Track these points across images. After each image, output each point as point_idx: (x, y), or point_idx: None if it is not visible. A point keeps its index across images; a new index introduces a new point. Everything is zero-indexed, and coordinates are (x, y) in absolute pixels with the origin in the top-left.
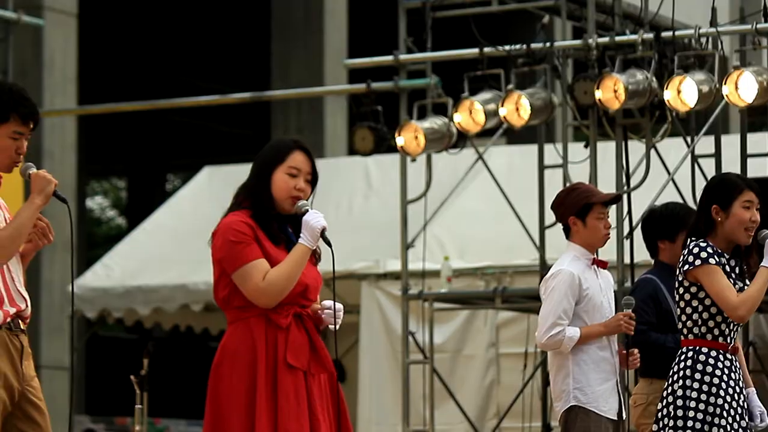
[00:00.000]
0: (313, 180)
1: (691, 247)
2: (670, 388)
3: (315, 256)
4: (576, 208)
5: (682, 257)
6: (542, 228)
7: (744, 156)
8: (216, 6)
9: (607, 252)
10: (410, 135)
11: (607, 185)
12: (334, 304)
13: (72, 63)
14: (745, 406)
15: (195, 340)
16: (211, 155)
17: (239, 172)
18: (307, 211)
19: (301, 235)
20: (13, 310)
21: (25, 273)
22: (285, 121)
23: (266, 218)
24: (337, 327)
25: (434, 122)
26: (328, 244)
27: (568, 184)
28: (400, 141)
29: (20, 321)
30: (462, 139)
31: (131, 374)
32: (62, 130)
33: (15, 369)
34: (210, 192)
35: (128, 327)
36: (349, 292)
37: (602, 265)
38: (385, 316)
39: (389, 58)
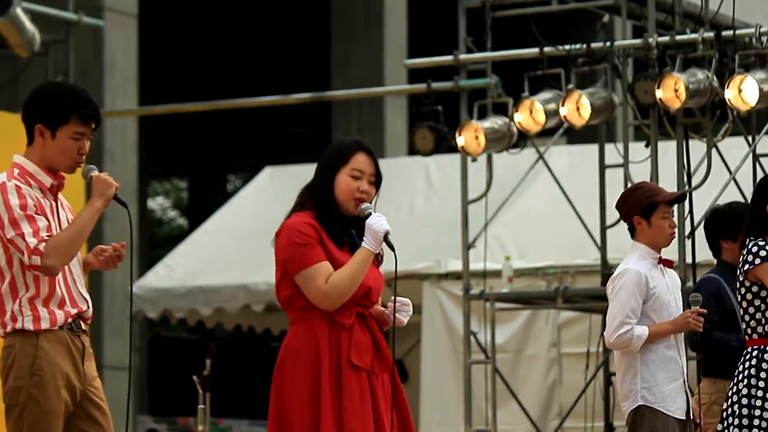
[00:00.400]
0: (376, 181)
1: (750, 247)
2: (735, 387)
3: (377, 258)
4: (640, 207)
5: (741, 257)
6: (603, 228)
7: None
8: (276, 6)
9: (669, 252)
10: (471, 135)
11: (668, 185)
12: (394, 306)
13: (133, 64)
14: None
15: (257, 341)
16: (272, 155)
17: (300, 173)
18: (370, 214)
19: (364, 238)
20: (74, 311)
21: (86, 275)
22: (345, 122)
23: (330, 220)
24: (405, 321)
25: (495, 122)
26: (391, 248)
27: (628, 184)
28: (460, 141)
29: (81, 322)
30: (522, 138)
31: (194, 374)
32: (123, 130)
33: (77, 369)
34: (271, 192)
35: (190, 327)
36: (411, 293)
37: (668, 264)
38: (447, 316)
39: (449, 57)
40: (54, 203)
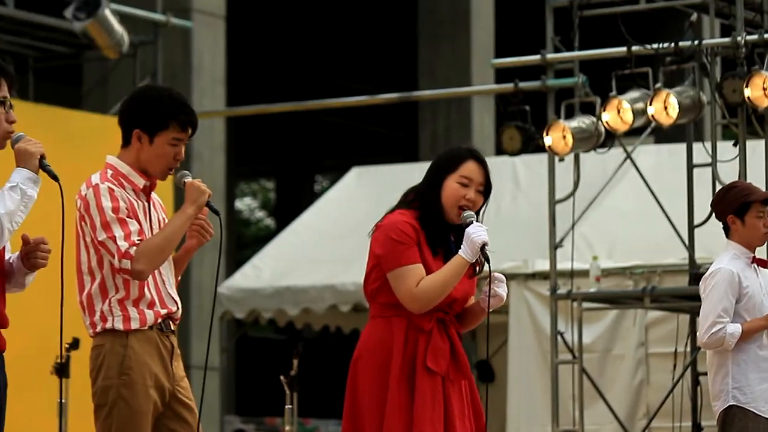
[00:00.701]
0: (485, 191)
1: None
2: None
3: (474, 268)
4: (734, 206)
5: None
6: (691, 227)
7: None
8: (363, 6)
9: (764, 251)
10: (558, 134)
11: (756, 184)
12: (489, 291)
13: (220, 64)
14: None
15: (343, 341)
16: (359, 156)
17: (387, 173)
18: (471, 222)
19: (462, 246)
20: (164, 311)
21: (180, 274)
22: (432, 122)
23: (431, 224)
24: (504, 294)
25: (582, 121)
26: (487, 260)
27: (716, 183)
28: (547, 140)
29: (171, 322)
30: (610, 138)
31: (281, 375)
32: (211, 131)
33: (165, 369)
34: (358, 192)
35: (278, 327)
36: None
37: (762, 264)
38: (534, 316)
39: (537, 57)
40: (146, 204)
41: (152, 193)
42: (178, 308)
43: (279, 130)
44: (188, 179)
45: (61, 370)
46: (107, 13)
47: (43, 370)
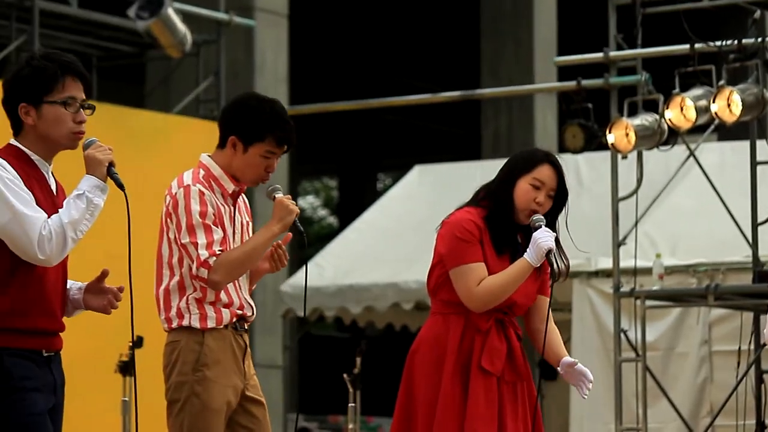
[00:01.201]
0: (559, 196)
1: None
2: None
3: (552, 275)
4: None
5: None
6: (755, 224)
7: None
8: (426, 4)
9: None
10: (621, 132)
11: None
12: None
13: (283, 63)
14: None
15: (407, 339)
16: (421, 154)
17: (449, 171)
18: (539, 227)
19: (527, 250)
20: (239, 312)
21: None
22: (495, 120)
23: (498, 222)
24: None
25: (645, 119)
26: (551, 265)
27: None
28: (610, 138)
29: (244, 323)
30: (673, 135)
31: (344, 373)
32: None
33: (239, 367)
34: (421, 190)
35: (341, 325)
36: (561, 290)
37: None
38: (597, 313)
39: (600, 55)
40: (232, 208)
41: (239, 198)
42: (253, 313)
43: (341, 129)
44: (279, 195)
45: (125, 368)
46: (170, 12)
47: (107, 368)
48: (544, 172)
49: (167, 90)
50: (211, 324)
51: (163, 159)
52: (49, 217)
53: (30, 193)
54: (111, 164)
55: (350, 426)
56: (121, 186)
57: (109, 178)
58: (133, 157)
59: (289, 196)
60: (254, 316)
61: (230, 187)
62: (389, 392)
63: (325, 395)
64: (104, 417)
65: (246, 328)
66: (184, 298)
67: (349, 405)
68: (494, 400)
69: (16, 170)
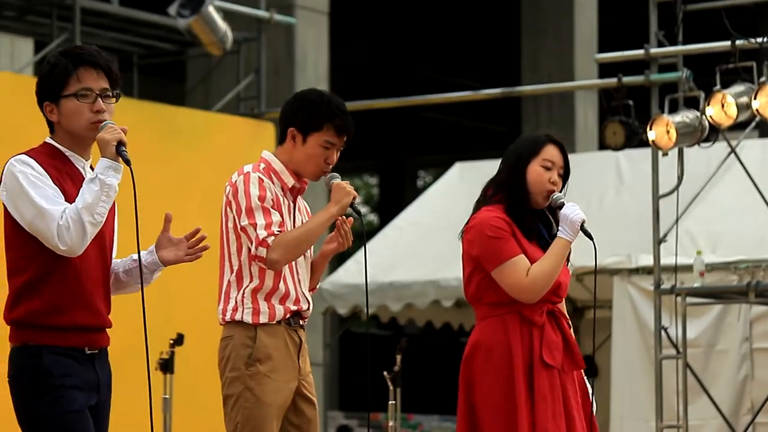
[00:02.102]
0: (565, 174)
1: None
2: None
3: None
4: None
5: None
6: None
7: None
8: (466, 1)
9: None
10: (662, 129)
11: None
12: (595, 301)
13: (323, 60)
14: None
15: (447, 336)
16: (462, 151)
17: (490, 168)
18: (563, 204)
19: (561, 228)
20: (294, 308)
21: (318, 278)
22: (535, 117)
23: (521, 213)
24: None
25: (686, 116)
26: (590, 237)
27: None
28: (651, 135)
29: (300, 318)
30: (714, 132)
31: (384, 370)
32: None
33: (293, 363)
34: (461, 188)
35: (381, 323)
36: (601, 287)
37: None
38: (638, 311)
39: (640, 51)
40: (292, 204)
41: (299, 197)
42: (309, 308)
43: (382, 126)
44: (336, 181)
45: (166, 366)
46: (211, 9)
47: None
48: (551, 151)
49: (208, 88)
50: (263, 319)
51: (204, 156)
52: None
53: (57, 188)
54: (120, 143)
55: (390, 423)
56: (127, 162)
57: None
58: (173, 155)
59: (348, 182)
60: (310, 310)
61: (290, 181)
62: (429, 389)
63: (365, 393)
64: (145, 414)
65: (301, 324)
66: (242, 290)
67: (390, 402)
68: (559, 394)
69: (45, 167)
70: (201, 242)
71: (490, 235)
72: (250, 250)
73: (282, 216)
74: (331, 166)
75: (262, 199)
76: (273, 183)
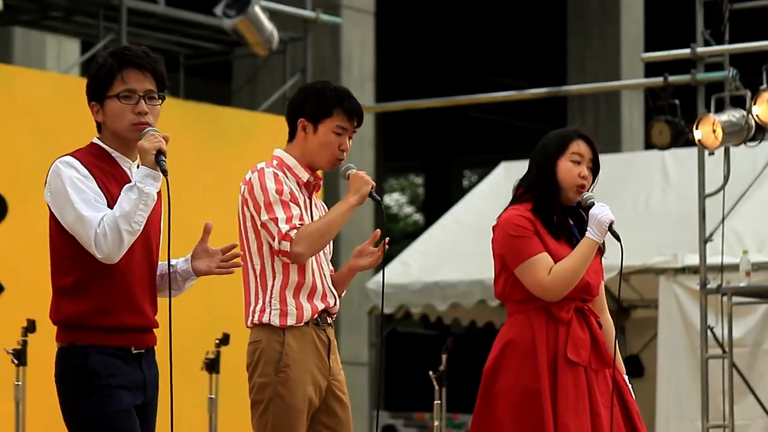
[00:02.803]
0: (594, 168)
1: None
2: None
3: (600, 250)
4: None
5: None
6: None
7: None
8: (512, 1)
9: None
10: (708, 128)
11: None
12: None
13: (369, 60)
14: None
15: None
16: (507, 150)
17: None
18: (593, 203)
19: (588, 228)
20: (322, 306)
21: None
22: (581, 116)
23: (549, 210)
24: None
25: (732, 115)
26: (617, 238)
27: None
28: (697, 134)
29: (327, 316)
30: (760, 131)
31: (430, 370)
32: (360, 127)
33: (322, 364)
34: (507, 187)
35: (426, 323)
36: (647, 287)
37: None
38: (684, 310)
39: (687, 51)
40: (308, 199)
41: (314, 193)
42: (335, 303)
43: (427, 126)
44: (353, 171)
45: (212, 366)
46: (257, 10)
47: (194, 366)
48: (579, 145)
49: (254, 88)
50: (291, 321)
51: (250, 157)
52: None
53: (99, 191)
54: (159, 152)
55: (436, 423)
56: (164, 173)
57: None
58: (219, 155)
59: (365, 172)
60: (337, 306)
61: (304, 175)
62: (475, 389)
63: (410, 392)
64: (191, 414)
65: (329, 322)
66: (268, 289)
67: (435, 402)
68: (584, 391)
69: (90, 168)
70: (234, 258)
71: (512, 234)
72: (271, 246)
73: (300, 209)
74: (345, 153)
75: (280, 192)
76: (287, 179)
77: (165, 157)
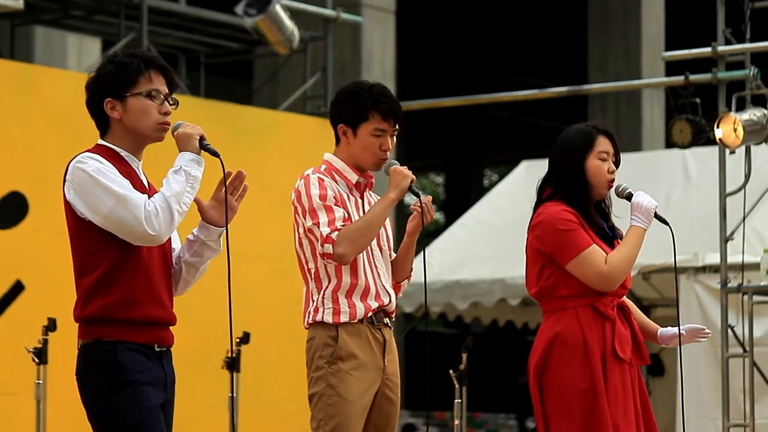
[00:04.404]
0: (616, 162)
1: None
2: None
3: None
4: None
5: None
6: None
7: None
8: (533, 0)
9: None
10: (729, 127)
11: None
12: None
13: (390, 59)
14: None
15: (513, 335)
16: (528, 149)
17: None
18: (631, 194)
19: (633, 216)
20: (375, 305)
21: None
22: (602, 115)
23: (584, 207)
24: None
25: (753, 114)
26: (665, 222)
27: None
28: (718, 133)
29: (384, 316)
30: None
31: (450, 369)
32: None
33: (375, 362)
34: (527, 186)
35: (447, 321)
36: (668, 286)
37: None
38: (704, 309)
39: (708, 49)
40: (360, 200)
41: (367, 191)
42: (391, 301)
43: (448, 125)
44: (394, 166)
45: (232, 364)
46: (278, 8)
47: (214, 364)
48: (603, 142)
49: (275, 86)
50: (344, 319)
51: (271, 155)
52: None
53: (127, 181)
54: (202, 137)
55: (456, 422)
56: (215, 154)
57: (203, 150)
58: (240, 154)
59: (405, 167)
60: (393, 305)
61: (353, 177)
62: (495, 388)
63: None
64: (212, 413)
65: (386, 322)
66: (321, 292)
67: (456, 401)
68: (630, 389)
69: (111, 162)
70: (241, 177)
71: (562, 229)
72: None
73: (348, 212)
74: (388, 153)
75: (323, 198)
76: (336, 182)
77: (206, 141)
